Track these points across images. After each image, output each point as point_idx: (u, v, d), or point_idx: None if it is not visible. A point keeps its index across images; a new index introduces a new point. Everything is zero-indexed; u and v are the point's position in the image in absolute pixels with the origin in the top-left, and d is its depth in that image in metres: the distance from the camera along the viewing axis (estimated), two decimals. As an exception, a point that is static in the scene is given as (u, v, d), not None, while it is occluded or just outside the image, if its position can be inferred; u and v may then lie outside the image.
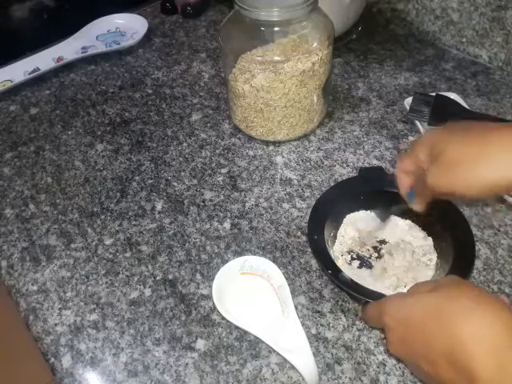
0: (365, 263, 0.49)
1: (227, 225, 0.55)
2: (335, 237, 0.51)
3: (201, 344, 0.45)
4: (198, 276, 0.50)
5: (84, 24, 0.86)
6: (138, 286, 0.50)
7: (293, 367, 0.42)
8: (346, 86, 0.72)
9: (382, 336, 0.44)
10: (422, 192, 0.43)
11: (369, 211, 0.53)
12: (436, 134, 0.41)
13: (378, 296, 0.42)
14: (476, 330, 0.31)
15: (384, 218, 0.51)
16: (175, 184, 0.60)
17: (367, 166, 0.59)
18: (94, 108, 0.73)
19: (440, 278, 0.45)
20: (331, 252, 0.49)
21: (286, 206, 0.56)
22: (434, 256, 0.48)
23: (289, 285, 0.45)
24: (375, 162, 0.60)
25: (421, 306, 0.35)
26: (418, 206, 0.45)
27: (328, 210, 0.50)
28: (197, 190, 0.59)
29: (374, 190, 0.52)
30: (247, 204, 0.57)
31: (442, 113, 0.62)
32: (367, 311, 0.42)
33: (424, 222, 0.50)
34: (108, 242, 0.54)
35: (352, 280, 0.45)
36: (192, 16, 0.91)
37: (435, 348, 0.32)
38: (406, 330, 0.35)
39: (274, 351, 0.43)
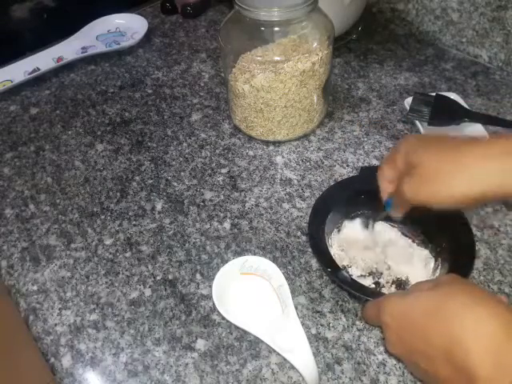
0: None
1: (227, 225, 0.55)
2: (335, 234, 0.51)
3: (201, 344, 0.45)
4: (198, 276, 0.50)
5: (84, 24, 0.86)
6: (138, 286, 0.50)
7: (293, 367, 0.42)
8: (346, 86, 0.72)
9: (382, 336, 0.44)
10: (400, 200, 0.43)
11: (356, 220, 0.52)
12: (411, 143, 0.42)
13: (377, 295, 0.42)
14: (474, 327, 0.31)
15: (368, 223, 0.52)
16: (175, 184, 0.60)
17: (367, 165, 0.59)
18: (93, 108, 0.73)
19: (440, 277, 0.45)
20: (331, 251, 0.49)
21: (285, 206, 0.56)
22: (431, 255, 0.49)
23: (289, 285, 0.45)
24: (375, 162, 0.60)
25: (419, 303, 0.35)
26: (394, 214, 0.45)
27: (328, 209, 0.50)
28: (197, 190, 0.59)
29: (375, 190, 0.52)
30: (247, 204, 0.57)
31: (442, 113, 0.62)
32: (366, 310, 0.42)
33: (423, 222, 0.50)
34: (108, 241, 0.54)
35: (352, 278, 0.45)
36: (192, 16, 0.91)
37: (433, 345, 0.33)
38: (404, 327, 0.35)
39: (274, 351, 0.43)
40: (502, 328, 0.31)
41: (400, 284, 0.47)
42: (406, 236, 0.51)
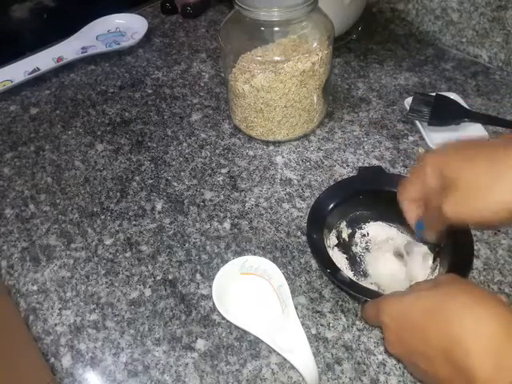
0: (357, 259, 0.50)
1: (227, 225, 0.55)
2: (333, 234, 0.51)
3: (201, 344, 0.45)
4: (198, 276, 0.50)
5: (84, 24, 0.86)
6: (138, 286, 0.50)
7: (293, 367, 0.42)
8: (346, 86, 0.72)
9: (382, 336, 0.44)
10: (433, 222, 0.41)
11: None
12: (440, 158, 0.39)
13: (376, 295, 0.42)
14: (474, 327, 0.31)
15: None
16: (175, 184, 0.60)
17: (367, 165, 0.59)
18: (93, 108, 0.73)
19: (439, 277, 0.45)
20: (330, 251, 0.49)
21: (286, 206, 0.56)
22: (431, 255, 0.49)
23: (289, 285, 0.45)
24: (375, 162, 0.60)
25: (418, 303, 0.35)
26: (429, 237, 0.43)
27: (327, 209, 0.50)
28: (197, 190, 0.59)
29: (374, 190, 0.52)
30: (247, 204, 0.57)
31: (442, 113, 0.62)
32: (366, 310, 0.42)
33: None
34: (108, 241, 0.54)
35: (350, 279, 0.45)
36: (192, 16, 0.91)
37: (432, 345, 0.32)
38: (403, 327, 0.35)
39: (274, 351, 0.43)
40: (502, 328, 0.30)
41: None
42: (404, 234, 0.51)
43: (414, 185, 0.41)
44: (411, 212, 0.43)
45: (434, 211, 0.39)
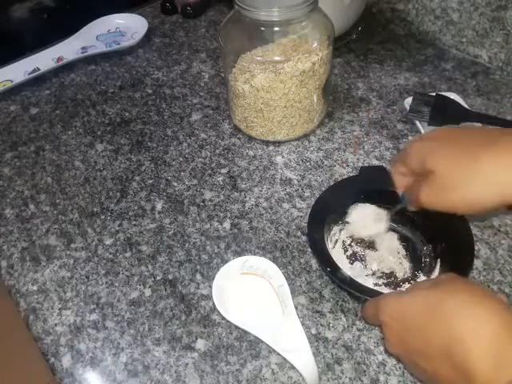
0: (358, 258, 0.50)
1: (227, 225, 0.55)
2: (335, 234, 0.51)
3: (201, 344, 0.45)
4: (198, 276, 0.50)
5: (84, 24, 0.86)
6: (138, 286, 0.50)
7: (293, 367, 0.42)
8: (346, 86, 0.72)
9: (382, 336, 0.44)
10: (416, 203, 0.43)
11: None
12: (424, 145, 0.42)
13: (376, 294, 0.42)
14: (474, 325, 0.31)
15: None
16: (175, 184, 0.60)
17: (368, 165, 0.59)
18: (94, 108, 0.73)
19: (439, 276, 0.45)
20: (330, 250, 0.49)
21: (286, 205, 0.56)
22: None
23: (289, 285, 0.45)
24: (375, 162, 0.60)
25: (418, 302, 0.35)
26: (410, 207, 0.46)
27: (328, 208, 0.50)
28: (197, 190, 0.59)
29: (375, 189, 0.52)
30: (247, 204, 0.57)
31: (442, 113, 0.62)
32: (365, 309, 0.42)
33: (423, 222, 0.50)
34: (108, 241, 0.54)
35: (351, 278, 0.45)
36: (192, 16, 0.91)
37: (432, 343, 0.32)
38: (402, 326, 0.35)
39: (274, 351, 0.43)
40: (503, 328, 0.31)
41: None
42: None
43: (401, 164, 0.45)
44: (398, 182, 0.46)
45: (413, 192, 0.43)
